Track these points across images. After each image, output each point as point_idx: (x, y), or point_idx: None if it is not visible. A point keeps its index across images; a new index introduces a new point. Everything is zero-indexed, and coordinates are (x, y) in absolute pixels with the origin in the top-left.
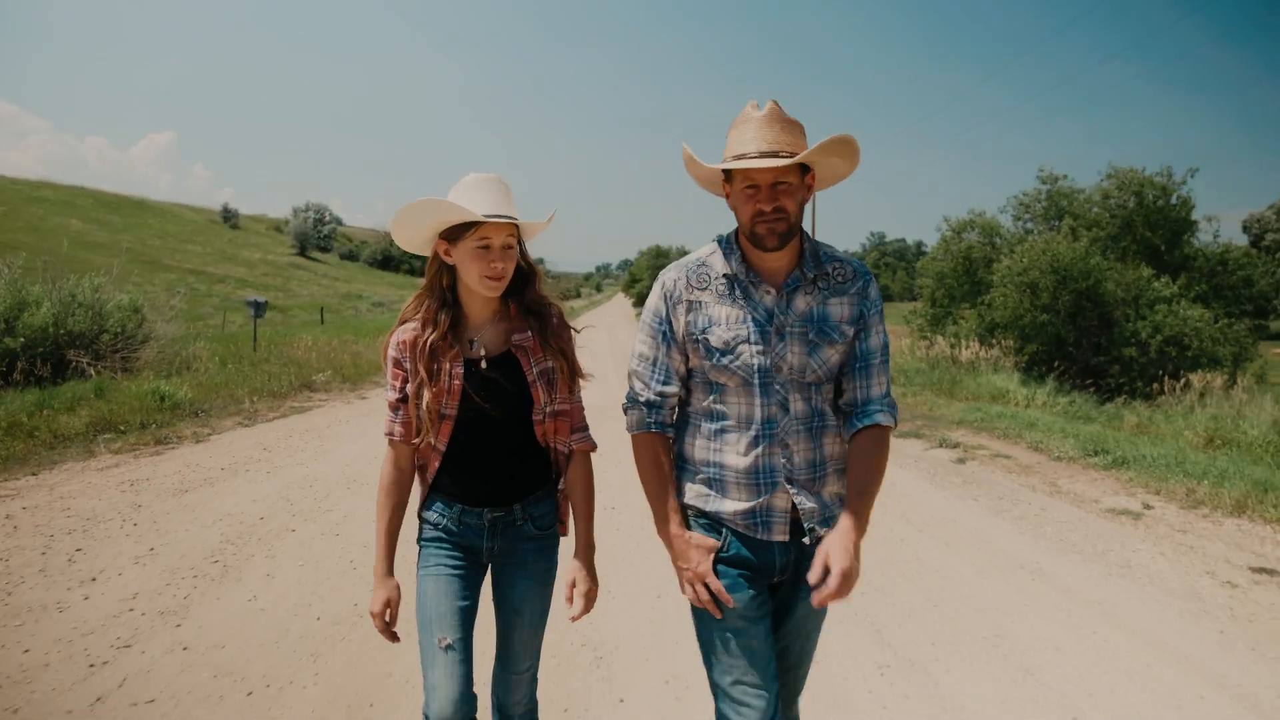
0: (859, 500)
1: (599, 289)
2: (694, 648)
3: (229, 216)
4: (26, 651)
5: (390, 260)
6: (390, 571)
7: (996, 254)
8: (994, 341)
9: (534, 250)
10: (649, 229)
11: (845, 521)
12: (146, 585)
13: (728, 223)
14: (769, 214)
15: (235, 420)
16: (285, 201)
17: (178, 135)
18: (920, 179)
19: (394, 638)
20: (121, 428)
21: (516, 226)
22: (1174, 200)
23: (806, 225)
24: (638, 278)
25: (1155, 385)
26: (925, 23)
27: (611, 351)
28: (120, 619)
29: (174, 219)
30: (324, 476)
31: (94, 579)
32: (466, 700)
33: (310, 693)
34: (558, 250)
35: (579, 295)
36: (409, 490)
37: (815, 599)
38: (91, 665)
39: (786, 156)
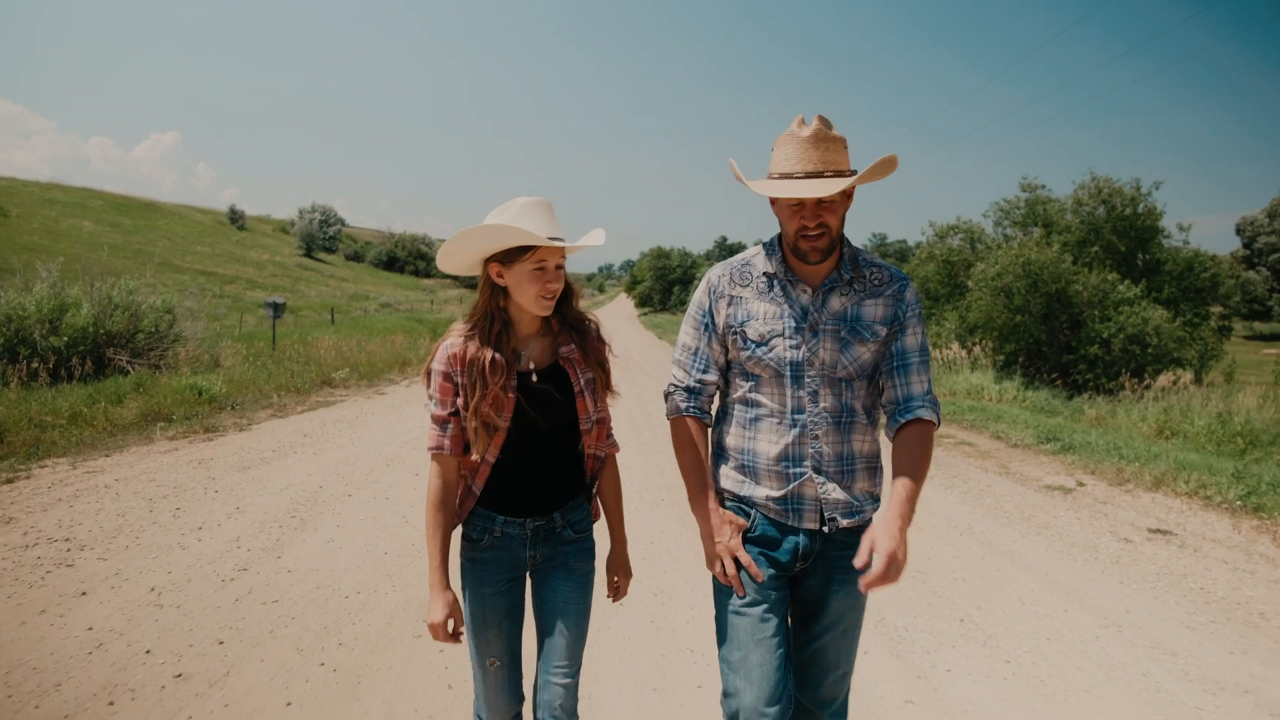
0: (903, 490)
1: (601, 289)
2: (676, 571)
3: (235, 218)
4: (169, 573)
5: (395, 261)
6: (448, 584)
7: (977, 258)
8: (973, 342)
9: None
10: (650, 229)
11: (890, 509)
12: (244, 532)
13: (728, 226)
14: (812, 230)
15: (268, 413)
16: (288, 202)
17: (181, 135)
18: (921, 180)
19: (458, 639)
20: (171, 418)
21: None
22: (1140, 209)
23: None
24: (639, 279)
25: (1118, 381)
26: (928, 22)
27: (615, 346)
28: (232, 553)
29: (182, 220)
30: (364, 456)
31: (200, 528)
32: (515, 704)
33: (391, 597)
34: None
35: (581, 296)
36: (456, 503)
37: (862, 583)
38: (223, 581)
39: (832, 175)
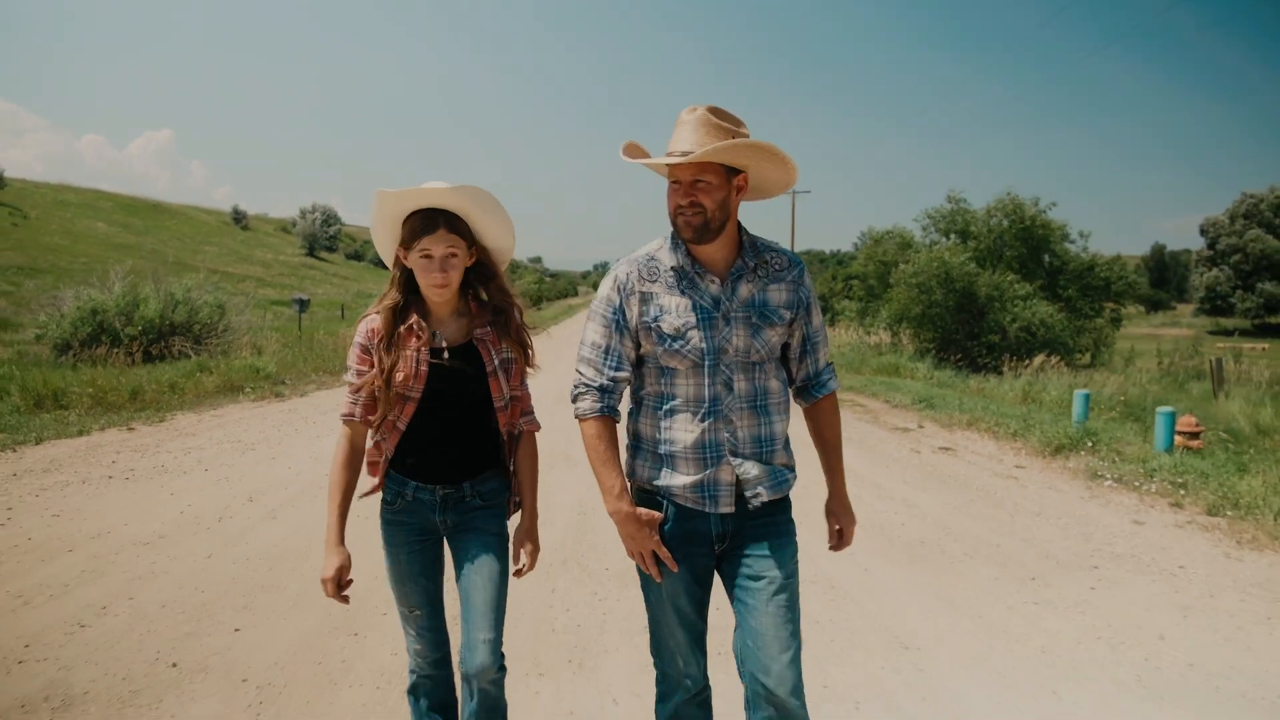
0: (835, 459)
1: (595, 287)
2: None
3: (239, 218)
4: (316, 452)
5: (395, 261)
6: (341, 541)
7: (904, 260)
8: (900, 330)
9: (531, 249)
10: (648, 227)
11: (835, 484)
12: None
13: None
14: (685, 207)
15: (313, 386)
16: (284, 199)
17: (174, 133)
18: (915, 178)
19: (345, 600)
20: (244, 389)
21: (461, 238)
22: (1037, 222)
23: (784, 228)
24: None
25: (1003, 361)
26: (917, 18)
27: None
28: None
29: (189, 221)
30: None
31: (318, 437)
32: (443, 659)
33: None
34: (557, 249)
35: (576, 294)
36: (360, 467)
37: (832, 549)
38: None
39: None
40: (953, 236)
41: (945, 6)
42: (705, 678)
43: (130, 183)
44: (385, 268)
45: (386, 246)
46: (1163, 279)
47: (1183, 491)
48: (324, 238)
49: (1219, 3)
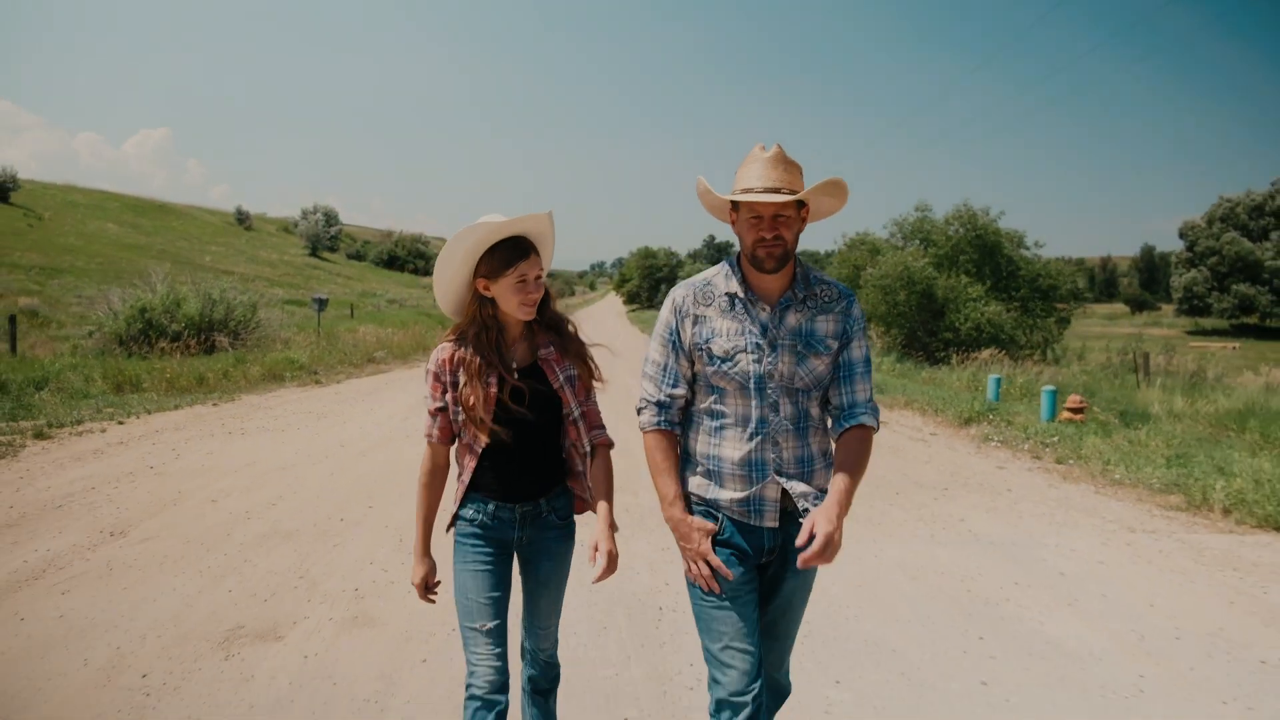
0: (842, 484)
1: (593, 287)
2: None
3: (242, 218)
4: (376, 418)
5: (395, 260)
6: (428, 551)
7: (873, 264)
8: (867, 328)
9: None
10: (644, 228)
11: (830, 499)
12: (393, 412)
13: (717, 225)
14: (769, 240)
15: (343, 376)
16: (281, 197)
17: (171, 131)
18: (911, 177)
19: (432, 601)
20: (285, 377)
21: (540, 256)
22: (988, 230)
23: None
24: (628, 277)
25: (956, 356)
26: (918, 19)
27: (602, 338)
28: (396, 415)
29: (194, 222)
30: None
31: (371, 410)
32: (501, 674)
33: None
34: (554, 249)
35: (573, 293)
36: (444, 484)
37: (800, 560)
38: (400, 421)
39: (788, 193)
40: (916, 242)
41: (942, 5)
42: (759, 667)
43: (127, 181)
44: (386, 269)
45: (459, 279)
46: (1153, 279)
47: (1046, 448)
48: (326, 238)
49: (1217, 2)
